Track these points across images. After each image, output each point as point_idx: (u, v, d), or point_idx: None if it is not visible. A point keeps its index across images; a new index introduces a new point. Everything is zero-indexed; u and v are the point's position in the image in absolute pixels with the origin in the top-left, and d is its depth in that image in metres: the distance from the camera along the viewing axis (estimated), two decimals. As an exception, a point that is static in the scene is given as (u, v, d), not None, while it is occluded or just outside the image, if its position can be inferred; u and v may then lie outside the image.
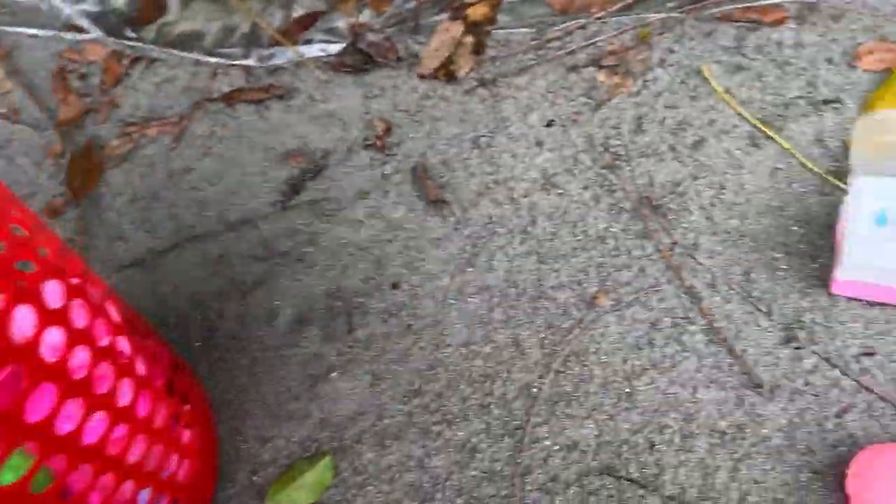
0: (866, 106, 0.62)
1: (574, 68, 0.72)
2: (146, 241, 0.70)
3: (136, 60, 0.82)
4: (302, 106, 0.75)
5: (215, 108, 0.77)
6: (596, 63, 0.71)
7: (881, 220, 0.53)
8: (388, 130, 0.71)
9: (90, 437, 0.40)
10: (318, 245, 0.67)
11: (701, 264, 0.59)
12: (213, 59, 0.79)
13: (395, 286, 0.63)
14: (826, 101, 0.63)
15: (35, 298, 0.37)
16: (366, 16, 0.77)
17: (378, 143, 0.71)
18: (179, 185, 0.73)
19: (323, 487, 0.55)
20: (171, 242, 0.70)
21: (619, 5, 0.73)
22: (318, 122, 0.73)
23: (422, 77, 0.73)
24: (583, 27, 0.73)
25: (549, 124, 0.69)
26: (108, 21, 0.85)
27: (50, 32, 0.86)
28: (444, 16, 0.75)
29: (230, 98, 0.77)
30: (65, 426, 0.38)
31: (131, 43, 0.82)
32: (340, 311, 0.63)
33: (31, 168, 0.78)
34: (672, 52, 0.71)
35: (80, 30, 0.85)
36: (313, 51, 0.76)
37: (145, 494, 0.47)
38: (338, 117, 0.73)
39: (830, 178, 0.60)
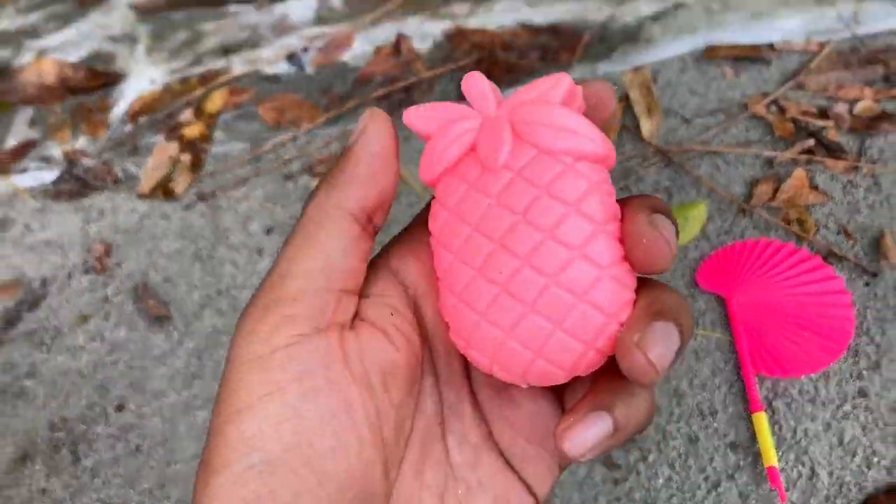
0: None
1: (290, 177, 0.77)
2: None
3: None
4: (18, 236, 0.74)
5: (-77, 247, 0.74)
6: (309, 171, 0.76)
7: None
8: (108, 252, 0.72)
9: None
10: (37, 376, 0.66)
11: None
12: (-82, 197, 0.77)
13: (120, 408, 0.63)
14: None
15: None
16: (82, 142, 0.78)
17: (98, 265, 0.71)
18: None
19: None
20: None
21: (324, 118, 0.79)
22: (35, 251, 0.73)
23: (142, 197, 0.75)
24: (294, 139, 0.79)
25: (269, 231, 0.73)
26: None
27: None
28: (161, 136, 0.78)
29: (-61, 235, 0.74)
30: None
31: None
32: (64, 441, 0.62)
33: None
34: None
35: None
36: (28, 180, 0.76)
37: None
38: (56, 244, 0.73)
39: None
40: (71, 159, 0.76)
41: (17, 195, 0.76)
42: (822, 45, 0.75)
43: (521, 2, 0.80)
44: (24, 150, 0.78)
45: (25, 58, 0.84)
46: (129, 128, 0.79)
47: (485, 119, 0.25)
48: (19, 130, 0.80)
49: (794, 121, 0.71)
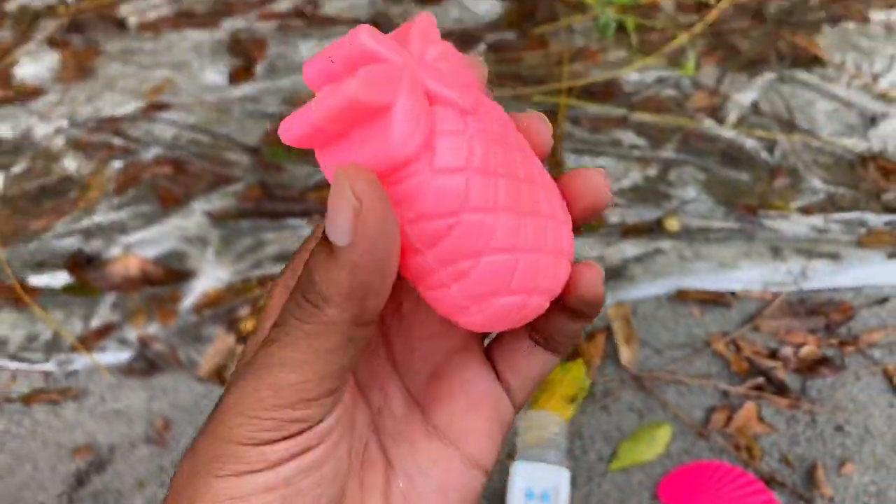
0: (531, 404, 0.84)
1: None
2: (-66, 536, 0.78)
3: (-60, 363, 0.92)
4: (93, 406, 0.88)
5: (13, 409, 0.88)
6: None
7: (529, 496, 0.73)
8: (167, 427, 0.85)
9: None
10: (98, 533, 0.78)
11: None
12: (14, 364, 0.91)
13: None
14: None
15: None
16: (154, 328, 0.94)
17: (158, 438, 0.84)
18: (-28, 481, 0.82)
19: None
20: (-41, 537, 0.78)
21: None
22: (106, 420, 0.87)
23: (200, 379, 0.90)
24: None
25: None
26: (-84, 326, 0.96)
27: None
28: (221, 328, 0.93)
29: (29, 399, 0.88)
30: None
31: (-63, 348, 0.93)
32: (115, 593, 0.74)
33: None
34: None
35: None
36: (107, 357, 0.91)
37: None
38: (124, 415, 0.87)
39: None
40: (144, 342, 0.92)
41: (96, 370, 0.90)
42: (775, 295, 0.90)
43: (528, 236, 0.97)
44: (106, 331, 0.94)
45: (114, 250, 1.01)
46: (194, 318, 0.94)
47: (417, 63, 0.22)
48: (103, 313, 0.95)
49: (749, 359, 0.85)
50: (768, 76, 1.12)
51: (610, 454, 0.80)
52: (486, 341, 0.30)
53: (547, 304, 0.26)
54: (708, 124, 1.08)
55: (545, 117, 0.26)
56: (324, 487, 0.24)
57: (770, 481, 0.77)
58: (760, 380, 0.84)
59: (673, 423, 0.82)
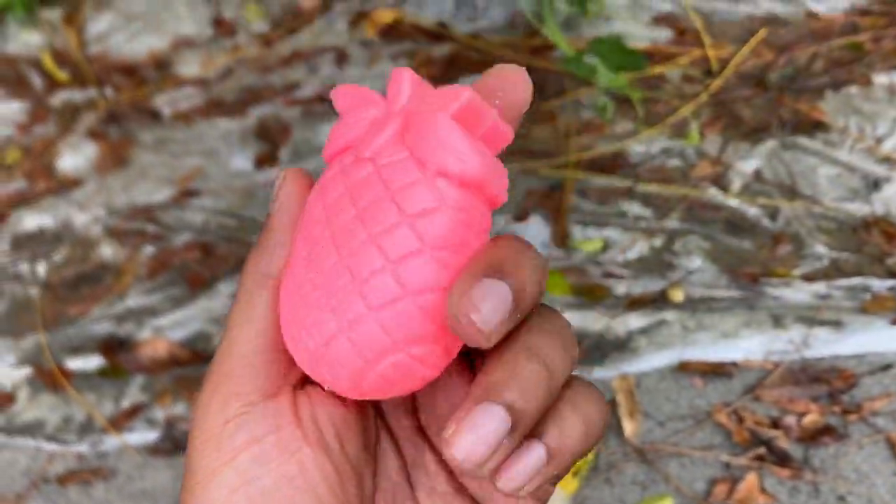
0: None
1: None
2: None
3: (-16, 446, 0.99)
4: (121, 485, 0.93)
5: (49, 489, 0.94)
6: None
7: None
8: (190, 505, 0.90)
9: None
10: None
11: None
12: (51, 446, 0.97)
13: None
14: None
15: None
16: (180, 408, 0.99)
17: (181, 516, 0.89)
18: (10, 559, 0.88)
19: None
20: None
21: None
22: (134, 499, 0.91)
23: (221, 457, 0.94)
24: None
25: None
26: (-37, 410, 1.03)
27: None
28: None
29: (64, 480, 0.94)
30: None
31: (-18, 431, 1.00)
32: None
33: None
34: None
35: (-63, 419, 1.02)
36: (135, 438, 0.96)
37: None
38: (150, 495, 0.92)
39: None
40: (170, 423, 0.97)
41: (125, 450, 0.96)
42: (776, 364, 0.91)
43: (535, 310, 1.00)
44: (134, 412, 0.99)
45: (144, 333, 1.07)
46: (217, 397, 0.99)
47: (386, 112, 0.24)
48: (133, 394, 1.01)
49: (750, 430, 0.87)
50: (770, 143, 1.14)
51: (613, 528, 0.82)
52: None
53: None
54: (712, 193, 1.10)
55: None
56: (292, 494, 0.23)
57: (772, 554, 0.78)
58: (762, 450, 0.85)
59: (675, 495, 0.83)
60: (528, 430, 0.22)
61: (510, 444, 0.21)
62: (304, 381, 0.26)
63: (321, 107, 1.35)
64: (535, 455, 0.22)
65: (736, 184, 1.11)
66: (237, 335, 0.25)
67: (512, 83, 0.24)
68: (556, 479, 0.23)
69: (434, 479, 0.27)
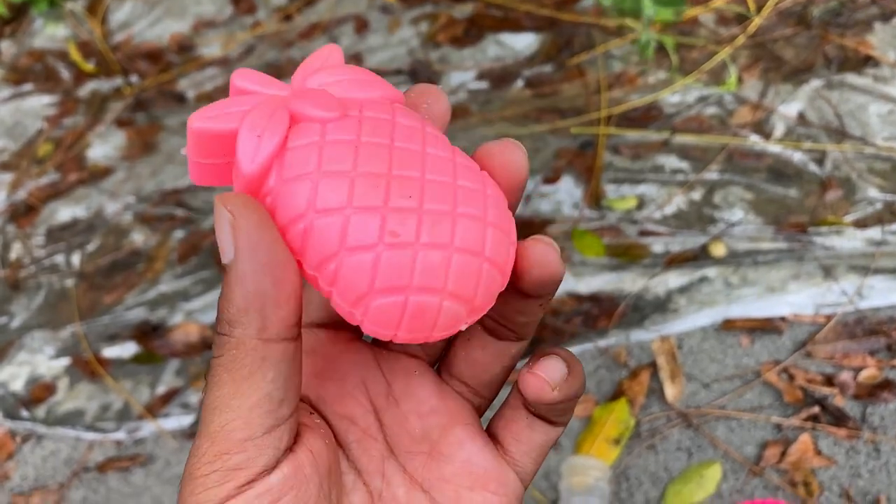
0: (575, 448, 0.83)
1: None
2: None
3: (27, 437, 1.00)
4: (159, 471, 0.93)
5: (90, 477, 0.94)
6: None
7: (571, 547, 0.72)
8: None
9: None
10: None
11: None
12: (90, 434, 0.98)
13: None
14: (549, 444, 0.85)
15: None
16: (214, 391, 0.98)
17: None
18: (55, 548, 0.88)
19: None
20: None
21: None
22: (171, 484, 0.91)
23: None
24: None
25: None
26: (6, 403, 1.04)
27: (-44, 416, 1.04)
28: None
29: (103, 467, 0.94)
30: None
31: (24, 422, 1.01)
32: None
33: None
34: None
35: (-19, 413, 1.03)
36: (171, 423, 0.96)
37: None
38: (188, 479, 0.91)
39: (553, 507, 0.80)
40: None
41: (161, 436, 0.95)
42: (828, 318, 0.86)
43: (568, 273, 0.96)
44: (170, 396, 0.99)
45: (177, 318, 1.06)
46: (250, 379, 0.98)
47: (291, 91, 0.25)
48: (168, 379, 1.01)
49: (803, 388, 0.82)
50: (815, 84, 1.07)
51: (658, 497, 0.78)
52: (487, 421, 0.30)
53: (470, 316, 0.24)
54: (753, 140, 1.04)
55: (518, 144, 0.25)
56: None
57: (829, 519, 0.73)
58: (816, 409, 0.80)
59: (723, 460, 0.79)
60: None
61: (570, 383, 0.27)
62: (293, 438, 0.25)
63: (343, 78, 1.32)
64: (560, 365, 0.27)
65: (778, 129, 1.05)
66: (236, 414, 0.22)
67: (434, 98, 0.26)
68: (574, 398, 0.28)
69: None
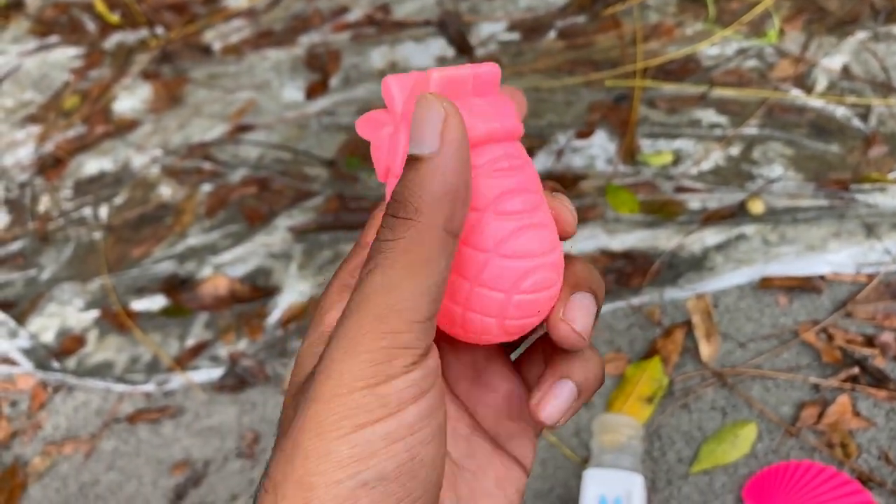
0: (607, 406, 0.82)
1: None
2: (56, 550, 0.85)
3: (58, 388, 1.00)
4: (189, 423, 0.93)
5: (120, 428, 0.94)
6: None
7: (603, 502, 0.71)
8: (256, 440, 0.89)
9: None
10: (196, 545, 0.82)
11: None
12: (120, 386, 0.98)
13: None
14: (580, 402, 0.84)
15: None
16: (243, 344, 0.98)
17: (248, 451, 0.88)
18: (87, 496, 0.89)
19: None
20: (76, 550, 0.84)
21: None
22: (200, 435, 0.91)
23: (285, 393, 0.93)
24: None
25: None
26: (37, 354, 1.04)
27: (-12, 366, 1.05)
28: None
29: (133, 418, 0.95)
30: None
31: (55, 373, 1.01)
32: None
33: (-36, 487, 0.93)
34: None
35: (13, 363, 1.04)
36: (200, 376, 0.96)
37: None
38: (217, 431, 0.91)
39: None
40: (234, 359, 0.96)
41: (191, 388, 0.96)
42: (870, 277, 0.83)
43: (601, 230, 0.94)
44: (199, 349, 0.99)
45: (206, 271, 1.06)
46: (280, 333, 0.98)
47: (395, 125, 0.26)
48: (197, 332, 1.01)
49: (842, 349, 0.80)
50: (860, 36, 1.03)
51: (691, 456, 0.77)
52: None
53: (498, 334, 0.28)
54: (794, 94, 1.01)
55: (568, 200, 0.28)
56: (440, 441, 0.24)
57: (867, 481, 0.72)
58: (855, 370, 0.78)
59: (759, 421, 0.78)
60: (588, 397, 0.29)
61: (577, 406, 0.28)
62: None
63: (370, 29, 1.30)
64: (568, 392, 0.28)
65: (821, 83, 1.01)
66: (408, 294, 0.23)
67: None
68: (579, 409, 0.29)
69: (455, 424, 0.29)
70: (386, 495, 0.23)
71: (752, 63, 1.06)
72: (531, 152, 1.05)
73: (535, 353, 0.31)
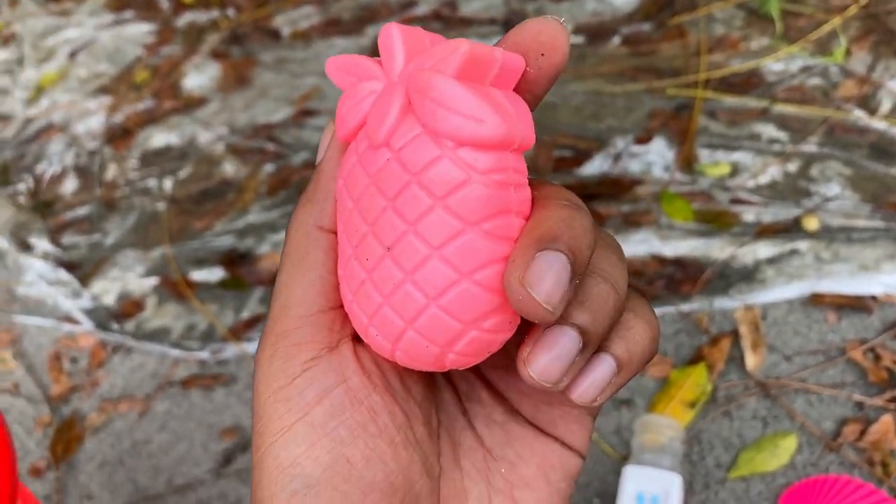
0: (649, 407, 0.84)
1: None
2: (109, 500, 0.89)
3: (117, 348, 1.05)
4: (240, 391, 0.96)
5: (174, 391, 0.98)
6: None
7: (640, 499, 0.73)
8: (304, 414, 0.92)
9: None
10: (241, 508, 0.86)
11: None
12: (176, 351, 1.02)
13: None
14: (622, 401, 0.86)
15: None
16: (295, 321, 1.01)
17: (295, 424, 0.91)
18: (140, 454, 0.93)
19: None
20: (128, 502, 0.88)
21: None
22: (249, 404, 0.95)
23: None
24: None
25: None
26: (98, 315, 1.09)
27: (52, 323, 1.09)
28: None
29: (186, 383, 0.98)
30: None
31: (115, 334, 1.06)
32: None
33: (23, 435, 0.98)
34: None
35: (75, 322, 1.08)
36: (253, 347, 0.99)
37: None
38: (267, 402, 0.95)
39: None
40: (286, 334, 0.99)
41: (244, 358, 0.99)
42: (922, 301, 0.84)
43: (654, 235, 0.96)
44: (253, 322, 1.02)
45: (264, 248, 1.09)
46: (331, 312, 1.01)
47: (385, 84, 0.22)
48: (252, 306, 1.04)
49: (889, 369, 0.80)
50: (929, 61, 1.03)
51: (729, 462, 0.79)
52: None
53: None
54: (857, 115, 1.01)
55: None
56: (369, 438, 0.23)
57: (905, 500, 0.73)
58: (901, 391, 0.79)
59: (800, 433, 0.79)
60: (596, 346, 0.22)
61: (581, 361, 0.22)
62: None
63: (436, 24, 1.32)
64: (606, 368, 0.22)
65: (885, 105, 1.01)
66: (293, 292, 0.24)
67: (551, 45, 0.22)
68: (623, 385, 0.24)
69: (490, 409, 0.27)
70: (326, 501, 0.22)
71: (816, 81, 1.06)
72: (590, 155, 1.07)
73: None
